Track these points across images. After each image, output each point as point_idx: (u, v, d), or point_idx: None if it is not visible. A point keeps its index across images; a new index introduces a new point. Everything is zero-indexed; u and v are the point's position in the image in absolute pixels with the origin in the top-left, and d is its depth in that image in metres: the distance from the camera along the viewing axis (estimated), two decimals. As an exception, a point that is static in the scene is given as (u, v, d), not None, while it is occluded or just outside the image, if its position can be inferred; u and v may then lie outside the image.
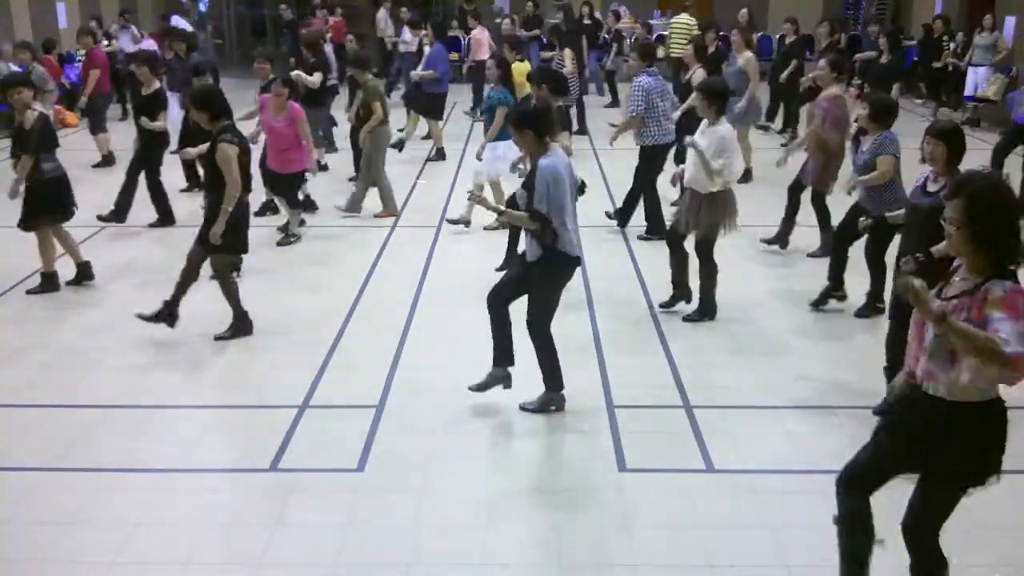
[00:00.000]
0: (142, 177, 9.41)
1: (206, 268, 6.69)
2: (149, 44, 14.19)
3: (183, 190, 10.63)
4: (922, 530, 3.54)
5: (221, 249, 6.50)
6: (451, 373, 6.08)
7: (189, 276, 6.59)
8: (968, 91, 15.67)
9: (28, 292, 7.68)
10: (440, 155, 12.72)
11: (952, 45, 16.41)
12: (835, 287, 7.22)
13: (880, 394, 5.40)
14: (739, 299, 7.29)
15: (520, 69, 10.57)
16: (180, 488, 4.85)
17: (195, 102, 6.50)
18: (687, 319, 6.99)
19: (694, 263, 6.99)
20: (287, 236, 8.95)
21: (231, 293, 6.67)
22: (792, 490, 4.80)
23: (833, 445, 5.25)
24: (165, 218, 9.54)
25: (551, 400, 5.58)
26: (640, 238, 9.11)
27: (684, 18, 15.64)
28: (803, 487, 4.83)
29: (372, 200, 9.87)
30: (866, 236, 6.71)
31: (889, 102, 7.13)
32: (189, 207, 10.01)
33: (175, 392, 5.91)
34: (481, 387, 5.62)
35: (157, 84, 9.36)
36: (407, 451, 5.17)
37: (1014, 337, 3.01)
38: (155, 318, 6.57)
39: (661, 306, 7.20)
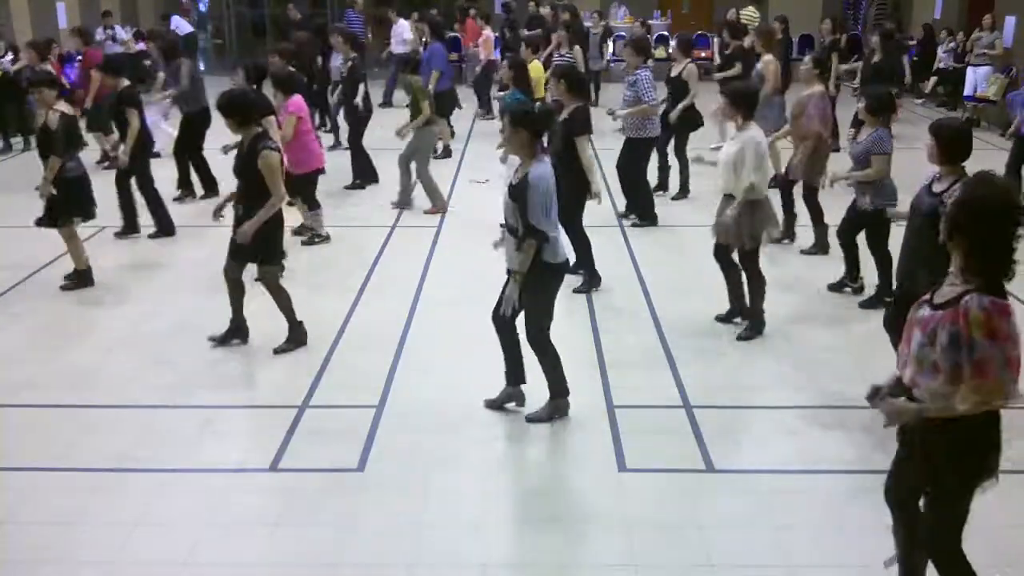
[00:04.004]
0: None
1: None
2: (142, 47, 14.11)
3: (176, 199, 10.34)
4: (937, 538, 3.48)
5: (257, 259, 6.35)
6: (451, 373, 6.09)
7: (236, 292, 6.47)
8: (968, 91, 15.68)
9: (62, 288, 7.69)
10: (446, 152, 12.73)
11: (942, 48, 16.65)
12: (851, 278, 7.53)
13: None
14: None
15: (535, 68, 10.60)
16: (180, 488, 4.85)
17: (219, 108, 6.24)
18: (740, 338, 6.68)
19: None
20: (313, 236, 8.95)
21: (283, 303, 6.51)
22: (792, 490, 4.80)
23: (833, 445, 5.26)
24: (164, 227, 9.28)
25: (556, 408, 5.49)
26: (634, 225, 9.52)
27: (750, 11, 16.26)
28: (803, 487, 4.83)
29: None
30: (866, 230, 7.13)
31: (885, 95, 7.26)
32: (182, 211, 10.03)
33: (175, 392, 5.90)
34: (493, 403, 5.61)
35: (125, 83, 8.99)
36: (407, 451, 5.17)
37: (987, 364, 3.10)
38: (225, 338, 6.54)
39: (718, 319, 6.96)
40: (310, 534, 4.42)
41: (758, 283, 6.66)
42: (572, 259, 5.18)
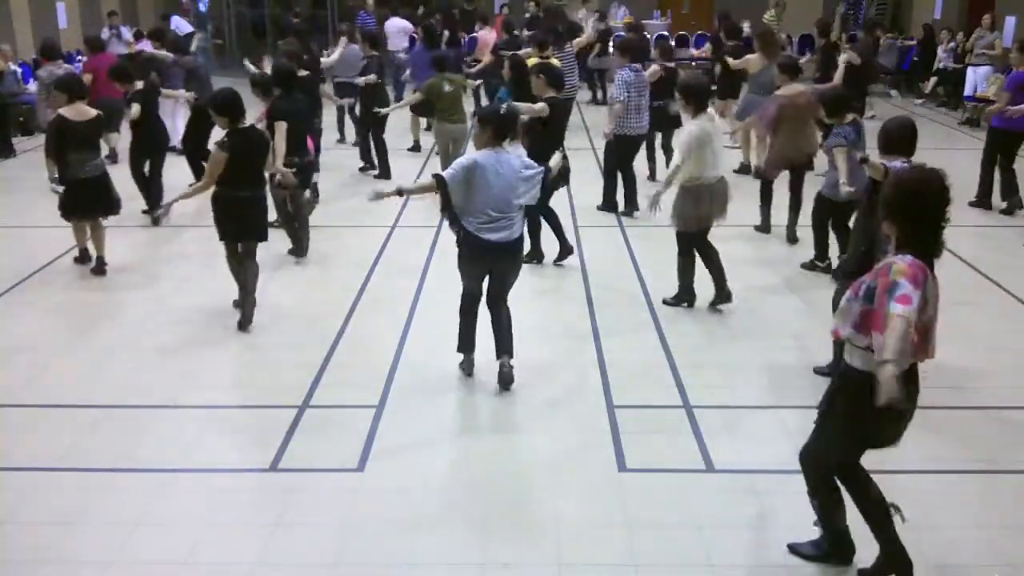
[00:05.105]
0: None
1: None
2: (145, 46, 14.10)
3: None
4: (807, 449, 4.11)
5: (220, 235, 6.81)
6: (451, 372, 6.08)
7: (234, 270, 6.88)
8: (968, 91, 15.69)
9: (92, 271, 8.00)
10: (416, 147, 13.16)
11: (942, 48, 16.74)
12: (819, 258, 8.00)
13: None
14: (739, 297, 7.28)
15: None
16: (180, 488, 4.85)
17: (214, 107, 6.66)
18: (665, 302, 7.30)
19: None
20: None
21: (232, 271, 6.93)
22: (792, 490, 4.79)
23: (833, 445, 5.25)
24: (153, 202, 9.54)
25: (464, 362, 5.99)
26: (622, 213, 9.83)
27: (771, 14, 17.45)
28: (803, 487, 4.81)
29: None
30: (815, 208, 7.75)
31: (839, 96, 7.60)
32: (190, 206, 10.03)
33: (175, 392, 5.90)
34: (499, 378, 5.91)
35: (139, 85, 9.38)
36: (407, 451, 5.17)
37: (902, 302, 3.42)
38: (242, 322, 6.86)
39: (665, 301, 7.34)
40: (310, 534, 4.42)
41: (688, 262, 7.09)
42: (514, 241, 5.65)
